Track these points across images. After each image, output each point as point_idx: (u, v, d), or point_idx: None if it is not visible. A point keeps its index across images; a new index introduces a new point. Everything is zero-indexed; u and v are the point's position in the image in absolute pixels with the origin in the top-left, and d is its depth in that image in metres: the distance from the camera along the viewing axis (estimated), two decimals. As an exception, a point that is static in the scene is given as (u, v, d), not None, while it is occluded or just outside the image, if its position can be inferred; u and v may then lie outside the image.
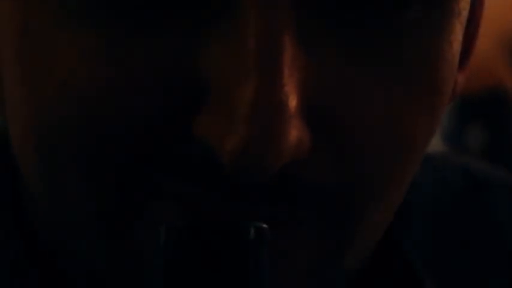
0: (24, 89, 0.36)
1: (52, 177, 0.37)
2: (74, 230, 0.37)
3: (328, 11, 0.33)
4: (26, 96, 0.36)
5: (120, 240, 0.36)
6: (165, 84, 0.33)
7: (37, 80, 0.35)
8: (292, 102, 0.31)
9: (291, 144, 0.32)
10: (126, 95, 0.34)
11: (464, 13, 0.38)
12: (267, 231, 0.34)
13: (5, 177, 0.44)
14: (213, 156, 0.32)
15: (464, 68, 0.43)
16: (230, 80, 0.32)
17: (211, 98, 0.32)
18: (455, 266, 0.50)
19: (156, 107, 0.34)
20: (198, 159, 0.34)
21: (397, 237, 0.47)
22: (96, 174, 0.35)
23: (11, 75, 0.37)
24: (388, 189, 0.37)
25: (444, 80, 0.37)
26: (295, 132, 0.32)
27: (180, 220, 0.35)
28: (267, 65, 0.31)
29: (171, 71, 0.33)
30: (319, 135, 0.34)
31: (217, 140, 0.32)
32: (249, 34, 0.31)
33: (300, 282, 0.36)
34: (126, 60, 0.33)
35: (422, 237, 0.49)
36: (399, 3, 0.34)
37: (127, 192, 0.35)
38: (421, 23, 0.35)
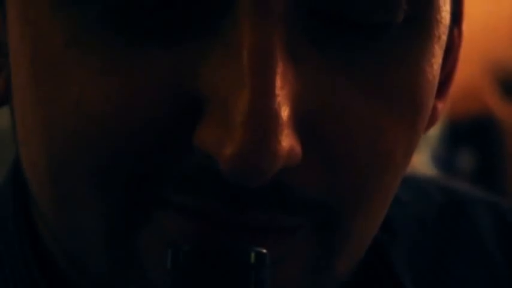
0: (38, 110, 0.36)
1: (63, 190, 0.37)
2: (81, 241, 0.38)
3: (316, 30, 0.34)
4: (40, 117, 0.36)
5: (123, 249, 0.36)
6: (167, 100, 0.34)
7: (51, 101, 0.36)
8: (285, 112, 0.32)
9: (284, 149, 0.32)
10: (131, 112, 0.34)
11: (444, 37, 0.38)
12: (266, 256, 0.34)
13: (18, 203, 0.44)
14: (212, 164, 0.33)
15: (444, 97, 0.43)
16: (227, 92, 0.32)
17: (209, 109, 0.33)
18: (441, 279, 0.50)
19: (159, 121, 0.34)
20: (199, 170, 0.34)
21: (386, 252, 0.47)
22: (104, 188, 0.35)
23: (25, 98, 0.38)
24: (372, 201, 0.37)
25: (424, 98, 0.37)
26: (288, 140, 0.32)
27: (181, 231, 0.35)
28: (260, 77, 0.32)
29: (173, 86, 0.34)
30: (309, 146, 0.34)
31: (216, 147, 0.32)
32: (244, 48, 0.32)
33: None
34: (130, 78, 0.34)
35: (408, 252, 0.49)
36: (380, 29, 0.35)
37: (131, 204, 0.35)
38: (403, 44, 0.36)
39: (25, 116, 0.38)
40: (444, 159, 2.28)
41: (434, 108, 0.42)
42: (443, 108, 0.43)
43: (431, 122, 0.41)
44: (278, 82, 0.32)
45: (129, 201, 0.35)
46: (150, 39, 0.34)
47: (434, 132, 2.24)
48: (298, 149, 0.33)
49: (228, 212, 0.34)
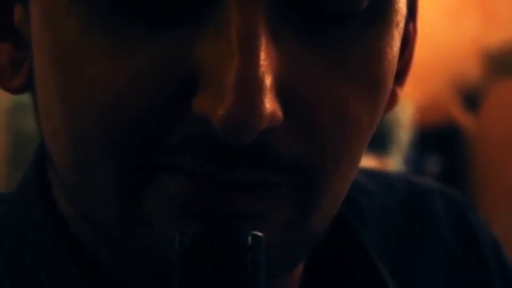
0: (58, 90, 0.38)
1: (81, 157, 0.39)
2: (95, 200, 0.39)
3: (292, 15, 0.37)
4: (60, 95, 0.38)
5: (132, 205, 0.38)
6: (168, 76, 0.36)
7: (69, 80, 0.37)
8: (268, 79, 0.34)
9: (268, 110, 0.34)
10: (137, 88, 0.36)
11: (401, 25, 0.41)
12: (262, 238, 0.35)
13: (42, 188, 0.45)
14: (209, 129, 0.34)
15: (402, 84, 0.46)
16: (218, 64, 0.34)
17: (204, 80, 0.35)
18: (403, 260, 0.51)
19: (162, 95, 0.36)
20: (198, 135, 0.36)
21: (359, 237, 0.48)
22: (115, 153, 0.37)
23: (47, 80, 0.39)
24: (342, 162, 0.39)
25: (384, 75, 0.39)
26: (271, 103, 0.34)
27: (180, 190, 0.37)
28: (246, 50, 0.34)
29: (172, 64, 0.36)
30: (288, 112, 0.36)
31: (211, 111, 0.34)
32: (232, 27, 0.34)
33: (274, 242, 0.37)
34: (135, 59, 0.36)
35: (375, 237, 0.51)
36: (347, 15, 0.37)
37: (138, 166, 0.37)
38: (367, 28, 0.38)
39: (47, 96, 0.40)
40: (414, 162, 2.30)
41: (394, 92, 0.44)
42: (401, 93, 0.45)
43: (391, 104, 0.44)
44: (262, 54, 0.34)
45: (137, 164, 0.37)
46: (151, 26, 0.36)
47: (405, 138, 2.25)
48: (279, 112, 0.35)
49: (220, 171, 0.36)
